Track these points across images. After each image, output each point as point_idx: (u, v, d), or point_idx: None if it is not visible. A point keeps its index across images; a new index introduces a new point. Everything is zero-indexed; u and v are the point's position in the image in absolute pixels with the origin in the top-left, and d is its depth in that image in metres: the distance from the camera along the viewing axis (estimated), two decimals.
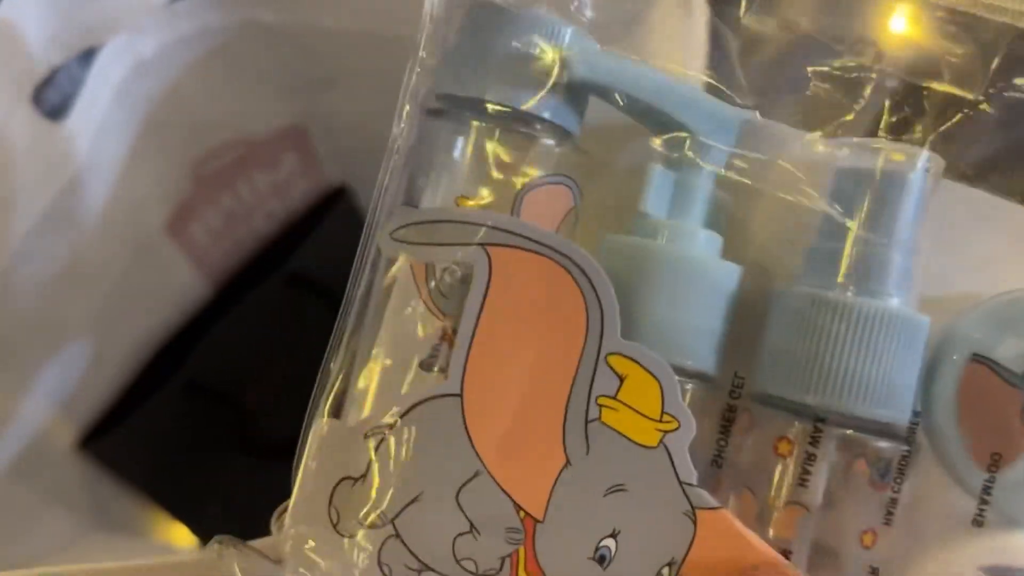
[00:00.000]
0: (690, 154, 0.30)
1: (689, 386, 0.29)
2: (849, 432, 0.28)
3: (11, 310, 0.47)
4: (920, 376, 0.29)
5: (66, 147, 0.45)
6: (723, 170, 0.30)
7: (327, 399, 0.29)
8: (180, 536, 0.53)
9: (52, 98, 0.44)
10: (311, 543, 0.28)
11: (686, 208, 0.30)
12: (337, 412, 0.29)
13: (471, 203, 0.29)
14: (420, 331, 0.29)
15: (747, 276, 0.30)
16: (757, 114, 0.31)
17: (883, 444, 0.28)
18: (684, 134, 0.30)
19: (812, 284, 0.29)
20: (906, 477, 0.28)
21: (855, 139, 0.30)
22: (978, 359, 0.28)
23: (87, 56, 0.45)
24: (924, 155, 0.29)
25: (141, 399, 0.54)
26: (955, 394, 0.28)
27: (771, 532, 0.28)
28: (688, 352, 0.29)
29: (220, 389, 0.56)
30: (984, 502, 0.28)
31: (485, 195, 0.29)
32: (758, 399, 0.29)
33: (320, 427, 0.29)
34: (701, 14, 0.33)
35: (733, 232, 0.31)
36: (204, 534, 0.52)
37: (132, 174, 0.50)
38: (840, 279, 0.29)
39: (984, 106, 0.30)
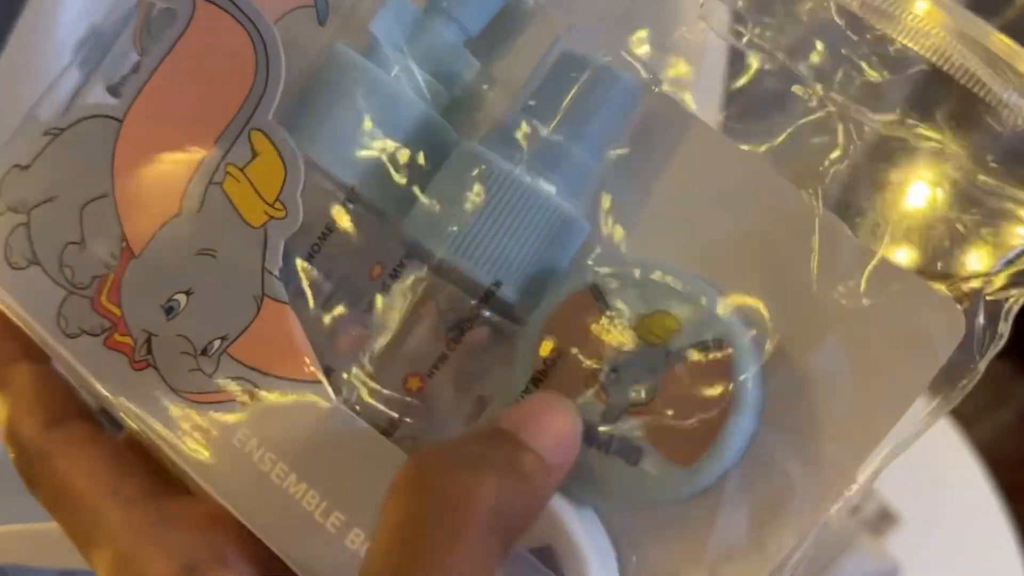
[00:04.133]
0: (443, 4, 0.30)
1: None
2: (427, 272, 0.27)
3: None
4: (554, 268, 0.28)
5: None
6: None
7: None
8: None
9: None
10: None
11: (420, 52, 0.30)
12: None
13: None
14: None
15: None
16: None
17: (458, 297, 0.27)
18: None
19: (493, 144, 0.28)
20: (467, 341, 0.27)
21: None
22: (595, 293, 0.27)
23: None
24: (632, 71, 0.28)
25: None
26: (555, 307, 0.27)
27: (334, 345, 0.28)
28: (343, 164, 0.29)
29: None
30: None
31: None
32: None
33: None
34: None
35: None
36: None
37: None
38: (516, 153, 0.28)
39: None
